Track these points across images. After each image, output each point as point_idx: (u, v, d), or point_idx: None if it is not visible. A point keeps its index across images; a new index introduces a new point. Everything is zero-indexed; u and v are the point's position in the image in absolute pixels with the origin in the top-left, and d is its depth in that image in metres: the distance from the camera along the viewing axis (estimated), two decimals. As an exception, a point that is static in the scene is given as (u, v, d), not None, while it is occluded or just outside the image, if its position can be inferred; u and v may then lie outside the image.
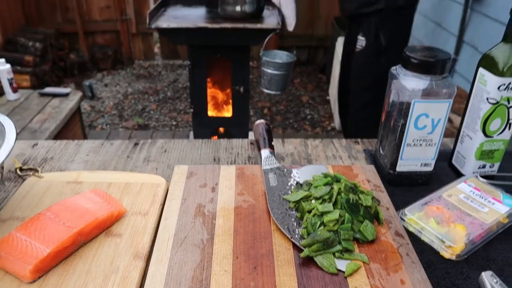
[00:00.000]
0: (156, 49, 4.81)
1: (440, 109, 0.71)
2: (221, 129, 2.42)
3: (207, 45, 2.16)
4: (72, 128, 2.47)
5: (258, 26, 1.99)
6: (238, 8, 2.01)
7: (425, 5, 3.02)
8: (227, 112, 2.43)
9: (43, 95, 2.55)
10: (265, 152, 0.79)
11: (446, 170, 0.83)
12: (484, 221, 0.65)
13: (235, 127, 2.39)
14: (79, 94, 2.59)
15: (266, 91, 2.10)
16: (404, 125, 0.72)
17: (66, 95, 2.54)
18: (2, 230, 0.66)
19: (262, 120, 0.87)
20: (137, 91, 4.01)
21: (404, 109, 0.71)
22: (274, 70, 2.02)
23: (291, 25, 2.03)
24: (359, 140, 0.94)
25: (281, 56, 2.16)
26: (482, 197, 0.70)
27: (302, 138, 0.94)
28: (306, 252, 0.57)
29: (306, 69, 4.47)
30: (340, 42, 3.01)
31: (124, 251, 0.62)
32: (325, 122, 3.47)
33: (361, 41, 1.94)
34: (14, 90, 2.49)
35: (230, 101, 2.36)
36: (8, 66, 2.42)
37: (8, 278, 0.59)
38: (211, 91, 2.37)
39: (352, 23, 2.03)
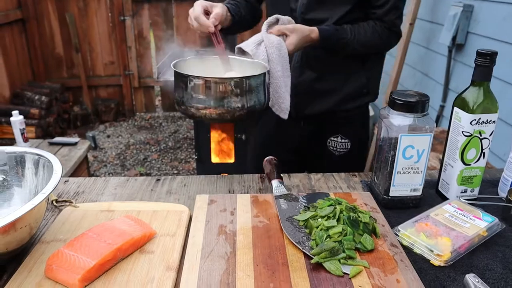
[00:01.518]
0: (157, 102, 5.01)
1: (423, 141, 0.83)
2: (224, 174, 2.53)
3: (211, 96, 2.31)
4: (80, 174, 2.57)
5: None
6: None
7: (413, 57, 3.26)
8: (230, 159, 2.56)
9: (52, 144, 2.68)
10: (275, 182, 0.91)
11: (434, 196, 0.94)
12: (467, 234, 0.76)
13: (237, 172, 2.50)
14: (87, 143, 2.72)
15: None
16: (394, 156, 0.84)
17: (74, 144, 2.67)
18: (48, 250, 0.76)
19: (271, 156, 0.99)
20: (138, 141, 4.15)
21: (393, 143, 0.84)
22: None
23: (284, 112, 1.18)
24: (356, 173, 1.06)
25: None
26: (464, 216, 0.81)
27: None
28: (316, 259, 0.68)
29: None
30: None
31: (157, 264, 0.72)
32: (322, 169, 3.59)
33: (343, 144, 1.40)
34: (25, 140, 2.61)
35: (233, 148, 2.49)
36: (21, 117, 2.56)
37: (58, 287, 0.68)
38: (214, 139, 2.51)
39: (320, 123, 1.40)
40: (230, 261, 0.69)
